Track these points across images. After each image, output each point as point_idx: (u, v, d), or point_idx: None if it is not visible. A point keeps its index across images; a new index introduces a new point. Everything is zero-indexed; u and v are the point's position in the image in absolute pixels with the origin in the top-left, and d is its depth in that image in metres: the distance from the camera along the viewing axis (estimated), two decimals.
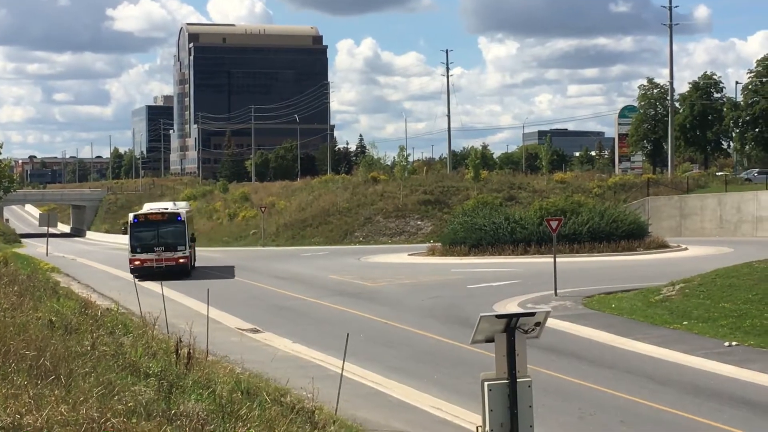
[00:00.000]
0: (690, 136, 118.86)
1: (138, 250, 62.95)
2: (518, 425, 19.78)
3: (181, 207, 70.76)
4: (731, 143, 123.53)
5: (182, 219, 64.08)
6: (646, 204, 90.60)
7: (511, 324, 19.87)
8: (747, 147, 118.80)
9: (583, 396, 28.20)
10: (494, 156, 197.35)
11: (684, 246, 74.30)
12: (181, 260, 63.30)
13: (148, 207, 70.34)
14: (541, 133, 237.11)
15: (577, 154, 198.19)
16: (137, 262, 62.76)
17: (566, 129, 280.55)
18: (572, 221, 70.18)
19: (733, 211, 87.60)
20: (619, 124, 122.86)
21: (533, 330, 20.33)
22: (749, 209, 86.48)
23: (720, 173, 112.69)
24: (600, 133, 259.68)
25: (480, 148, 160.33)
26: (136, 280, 55.52)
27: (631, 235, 72.46)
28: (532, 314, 20.56)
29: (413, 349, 35.92)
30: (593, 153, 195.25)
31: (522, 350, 20.05)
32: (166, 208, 67.36)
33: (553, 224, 47.28)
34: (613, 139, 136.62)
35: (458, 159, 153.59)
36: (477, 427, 20.32)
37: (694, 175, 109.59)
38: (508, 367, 19.78)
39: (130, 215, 65.93)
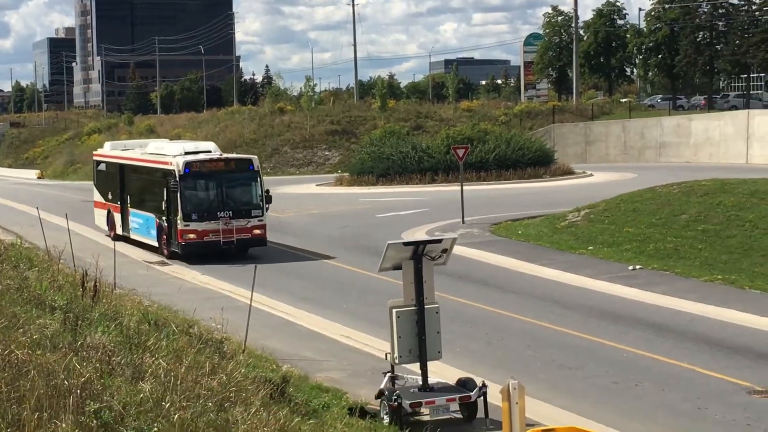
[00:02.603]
0: (594, 63, 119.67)
1: (193, 217, 39.76)
2: (426, 351, 19.99)
3: (205, 148, 43.89)
4: (635, 70, 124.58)
5: (255, 168, 40.95)
6: (552, 131, 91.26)
7: (418, 251, 20.01)
8: (650, 73, 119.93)
9: (491, 322, 28.51)
10: (401, 85, 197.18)
11: (589, 172, 75.04)
12: (257, 231, 40.35)
13: (175, 147, 44.00)
14: (448, 62, 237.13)
15: (484, 82, 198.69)
16: (191, 236, 39.65)
17: (472, 57, 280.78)
18: (479, 149, 70.49)
19: (637, 137, 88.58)
20: (525, 52, 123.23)
21: (440, 257, 20.50)
22: (653, 135, 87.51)
23: (624, 100, 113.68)
24: (506, 62, 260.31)
25: (387, 77, 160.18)
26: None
27: (537, 162, 73.02)
28: (439, 241, 20.70)
29: (322, 279, 36.04)
30: (499, 81, 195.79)
31: (429, 277, 20.22)
32: (221, 155, 42.78)
33: (460, 152, 47.46)
34: (519, 67, 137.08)
35: (365, 89, 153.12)
36: (386, 354, 20.51)
37: (599, 102, 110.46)
38: (416, 294, 19.95)
39: (178, 161, 40.43)
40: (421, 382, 19.95)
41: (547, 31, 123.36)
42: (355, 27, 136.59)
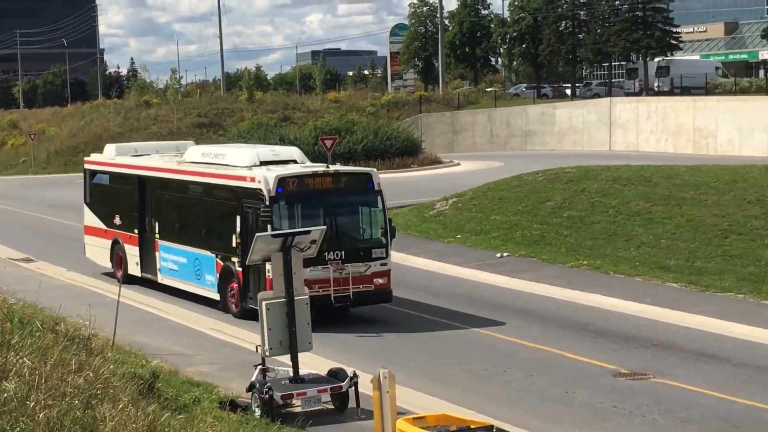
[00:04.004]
0: (460, 53, 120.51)
1: None
2: (297, 342, 19.99)
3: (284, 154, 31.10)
4: (499, 59, 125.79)
5: (376, 186, 28.17)
6: (419, 121, 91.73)
7: (287, 242, 20.00)
8: (515, 63, 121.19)
9: (361, 312, 28.60)
10: (268, 77, 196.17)
11: (456, 161, 75.63)
12: (380, 280, 27.84)
13: (245, 154, 30.44)
14: (315, 53, 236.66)
15: (351, 73, 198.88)
16: None
17: (339, 48, 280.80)
18: (347, 140, 70.58)
19: (503, 126, 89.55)
20: (391, 42, 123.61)
21: (309, 248, 20.52)
22: (518, 123, 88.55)
23: (490, 89, 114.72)
24: (372, 52, 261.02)
25: (253, 69, 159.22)
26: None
27: (405, 152, 73.38)
28: (308, 232, 20.73)
29: None
30: (366, 72, 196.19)
31: (299, 268, 20.22)
32: (327, 167, 29.22)
33: (328, 143, 47.45)
34: (386, 57, 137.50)
35: (232, 81, 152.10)
36: (257, 347, 20.45)
37: (465, 91, 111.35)
38: (285, 285, 19.94)
39: (265, 175, 27.35)
40: (292, 374, 19.95)
41: (413, 21, 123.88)
42: (220, 19, 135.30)
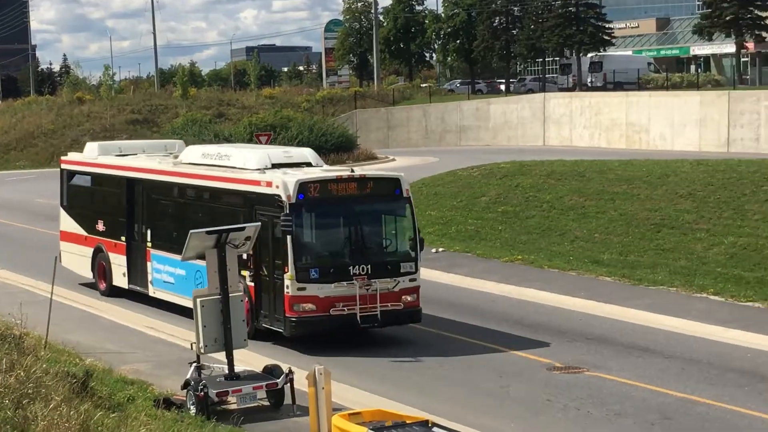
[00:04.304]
0: (394, 49, 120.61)
1: (312, 276, 24.38)
2: (232, 340, 19.93)
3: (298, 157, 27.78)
4: (434, 55, 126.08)
5: (405, 194, 25.61)
6: (354, 117, 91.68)
7: (221, 239, 19.93)
8: (449, 58, 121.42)
9: None
10: (202, 73, 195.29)
11: (391, 157, 75.67)
12: (409, 298, 25.14)
13: (253, 155, 27.32)
14: (249, 49, 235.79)
15: (286, 69, 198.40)
16: (309, 306, 24.28)
17: (274, 44, 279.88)
18: (282, 136, 70.35)
19: (437, 122, 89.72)
20: (326, 38, 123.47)
21: (244, 245, 20.47)
22: (453, 119, 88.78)
23: (424, 85, 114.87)
24: (307, 48, 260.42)
25: (188, 65, 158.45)
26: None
27: (341, 148, 73.30)
28: (242, 229, 20.68)
29: None
30: (301, 68, 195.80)
31: (233, 265, 20.17)
32: (351, 170, 26.40)
33: (263, 140, 47.36)
34: (321, 53, 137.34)
35: (166, 77, 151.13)
36: (191, 344, 20.36)
37: (400, 87, 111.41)
38: (220, 282, 19.87)
39: (284, 180, 24.58)
40: (227, 371, 19.89)
41: (347, 17, 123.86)
42: (154, 15, 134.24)
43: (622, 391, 21.07)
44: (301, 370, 19.28)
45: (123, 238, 30.26)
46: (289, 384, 19.61)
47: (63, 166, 34.29)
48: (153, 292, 28.92)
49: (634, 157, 48.55)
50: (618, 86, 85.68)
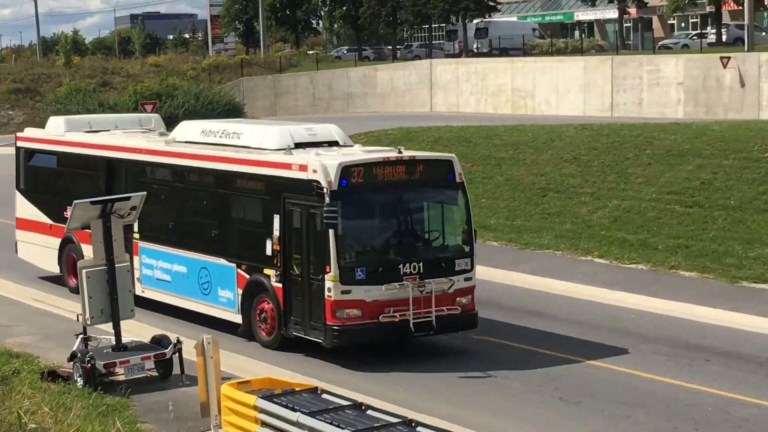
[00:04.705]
0: (281, 16, 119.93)
1: (358, 276, 20.90)
2: (119, 310, 19.75)
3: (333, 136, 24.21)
4: (321, 22, 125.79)
5: (458, 178, 22.18)
6: (241, 84, 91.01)
7: (106, 209, 19.70)
8: (336, 25, 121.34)
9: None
10: (86, 41, 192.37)
11: None
12: (463, 299, 21.67)
13: (271, 133, 23.58)
14: (133, 17, 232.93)
15: (171, 37, 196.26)
16: (354, 312, 20.79)
17: (158, 12, 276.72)
18: (168, 104, 69.57)
19: (325, 89, 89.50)
20: (211, 5, 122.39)
21: (129, 214, 20.26)
22: (340, 86, 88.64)
23: (311, 52, 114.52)
24: (193, 15, 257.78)
25: (71, 33, 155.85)
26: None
27: (228, 116, 72.73)
28: (128, 198, 20.46)
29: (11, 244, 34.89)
30: (187, 35, 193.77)
31: (119, 235, 19.95)
32: (399, 151, 22.20)
33: (148, 108, 46.95)
34: (206, 21, 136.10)
35: (49, 45, 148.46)
36: (78, 315, 20.13)
37: (287, 54, 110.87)
38: (106, 253, 19.66)
39: (324, 163, 21.03)
40: (114, 343, 19.72)
41: None
42: None
43: (509, 354, 21.36)
44: (190, 340, 19.11)
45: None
46: (177, 354, 19.52)
47: (20, 143, 29.80)
48: (141, 290, 25.02)
49: (520, 122, 48.95)
50: (503, 52, 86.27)
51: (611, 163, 35.66)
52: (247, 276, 22.46)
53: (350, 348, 20.96)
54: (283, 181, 21.67)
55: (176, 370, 19.57)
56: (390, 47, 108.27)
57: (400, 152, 21.83)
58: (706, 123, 43.45)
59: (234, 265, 22.87)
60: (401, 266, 20.92)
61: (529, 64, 75.34)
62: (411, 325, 20.76)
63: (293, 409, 15.07)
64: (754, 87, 56.14)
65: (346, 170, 20.78)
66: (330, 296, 20.53)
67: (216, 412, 16.41)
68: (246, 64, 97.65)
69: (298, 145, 22.72)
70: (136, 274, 25.11)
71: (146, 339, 20.37)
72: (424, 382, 19.93)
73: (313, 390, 15.95)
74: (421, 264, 21.04)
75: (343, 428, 14.67)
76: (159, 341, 20.01)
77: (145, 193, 21.25)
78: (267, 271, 21.89)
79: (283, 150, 22.43)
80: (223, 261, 23.18)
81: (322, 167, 20.75)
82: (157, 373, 19.76)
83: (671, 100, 61.04)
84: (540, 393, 19.25)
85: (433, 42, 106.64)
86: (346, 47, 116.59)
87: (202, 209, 24.30)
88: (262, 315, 22.12)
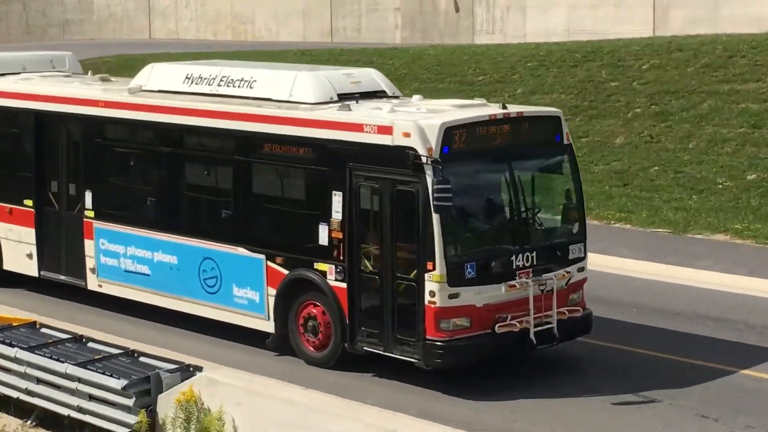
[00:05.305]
0: None
1: (468, 273, 15.80)
2: None
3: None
4: None
5: (563, 138, 17.19)
6: None
7: None
8: None
9: None
10: None
11: None
12: (576, 296, 17.18)
13: (303, 79, 18.11)
14: None
15: None
16: (462, 322, 15.80)
17: None
18: None
19: (39, 16, 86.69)
20: None
21: None
22: (55, 13, 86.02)
23: None
24: None
25: None
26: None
27: None
28: None
29: None
30: None
31: None
32: (503, 107, 17.14)
33: None
34: None
35: None
36: None
37: None
38: None
39: (419, 124, 15.88)
40: None
41: None
42: None
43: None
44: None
45: (29, 203, 21.32)
46: None
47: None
48: (98, 284, 20.39)
49: (240, 49, 48.76)
50: None
51: None
52: (286, 271, 17.40)
53: (456, 369, 16.23)
54: (348, 147, 16.51)
55: None
56: None
57: (504, 107, 16.97)
58: (422, 48, 44.34)
59: (262, 256, 17.72)
60: (514, 258, 16.28)
61: None
62: (532, 334, 16.11)
63: (11, 345, 14.80)
64: (468, 12, 57.47)
65: (449, 133, 15.83)
66: (434, 302, 15.57)
67: None
68: None
69: (343, 97, 17.72)
70: (89, 263, 20.34)
71: None
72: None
73: (32, 324, 15.70)
74: (534, 254, 16.46)
75: (63, 362, 14.52)
76: None
77: None
78: (320, 266, 16.84)
79: (326, 103, 17.53)
80: (242, 250, 18.07)
81: (417, 129, 15.74)
82: None
83: (389, 25, 61.93)
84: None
85: None
86: None
87: (204, 183, 19.19)
88: (309, 323, 17.19)
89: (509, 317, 15.93)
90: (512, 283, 15.99)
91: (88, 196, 20.19)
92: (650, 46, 35.61)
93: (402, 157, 15.66)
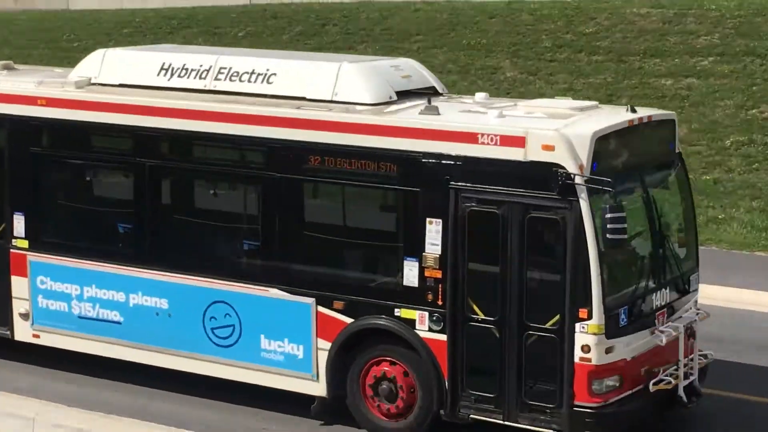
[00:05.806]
0: None
1: (623, 321, 12.52)
2: None
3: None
4: None
5: (676, 146, 14.14)
6: None
7: None
8: None
9: None
10: None
11: None
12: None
13: (355, 74, 13.98)
14: None
15: None
16: (613, 380, 12.44)
17: None
18: None
19: None
20: None
21: None
22: None
23: None
24: None
25: None
26: None
27: None
28: None
29: None
30: None
31: None
32: (631, 110, 13.48)
33: None
34: None
35: None
36: None
37: None
38: None
39: (564, 133, 12.24)
40: None
41: None
42: None
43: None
44: None
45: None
46: None
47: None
48: (32, 334, 15.74)
49: None
50: None
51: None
52: (348, 319, 13.50)
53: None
54: (452, 162, 12.76)
55: None
56: None
57: (633, 110, 13.53)
58: (14, 12, 42.90)
59: (310, 300, 13.68)
60: (653, 297, 13.20)
61: None
62: (681, 390, 13.04)
63: None
64: None
65: (601, 145, 12.46)
66: (587, 359, 12.21)
67: None
68: None
69: (401, 95, 14.19)
70: (20, 307, 15.72)
71: None
72: None
73: None
74: (667, 289, 13.43)
75: None
76: None
77: None
78: (405, 312, 13.12)
79: (385, 104, 13.84)
80: (276, 292, 13.93)
81: (564, 141, 12.20)
82: None
83: None
84: None
85: None
86: None
87: (211, 206, 15.02)
88: (382, 386, 13.41)
89: (660, 371, 12.90)
90: (662, 328, 12.98)
91: (19, 221, 15.53)
92: (246, 13, 36.11)
93: (542, 177, 12.19)
